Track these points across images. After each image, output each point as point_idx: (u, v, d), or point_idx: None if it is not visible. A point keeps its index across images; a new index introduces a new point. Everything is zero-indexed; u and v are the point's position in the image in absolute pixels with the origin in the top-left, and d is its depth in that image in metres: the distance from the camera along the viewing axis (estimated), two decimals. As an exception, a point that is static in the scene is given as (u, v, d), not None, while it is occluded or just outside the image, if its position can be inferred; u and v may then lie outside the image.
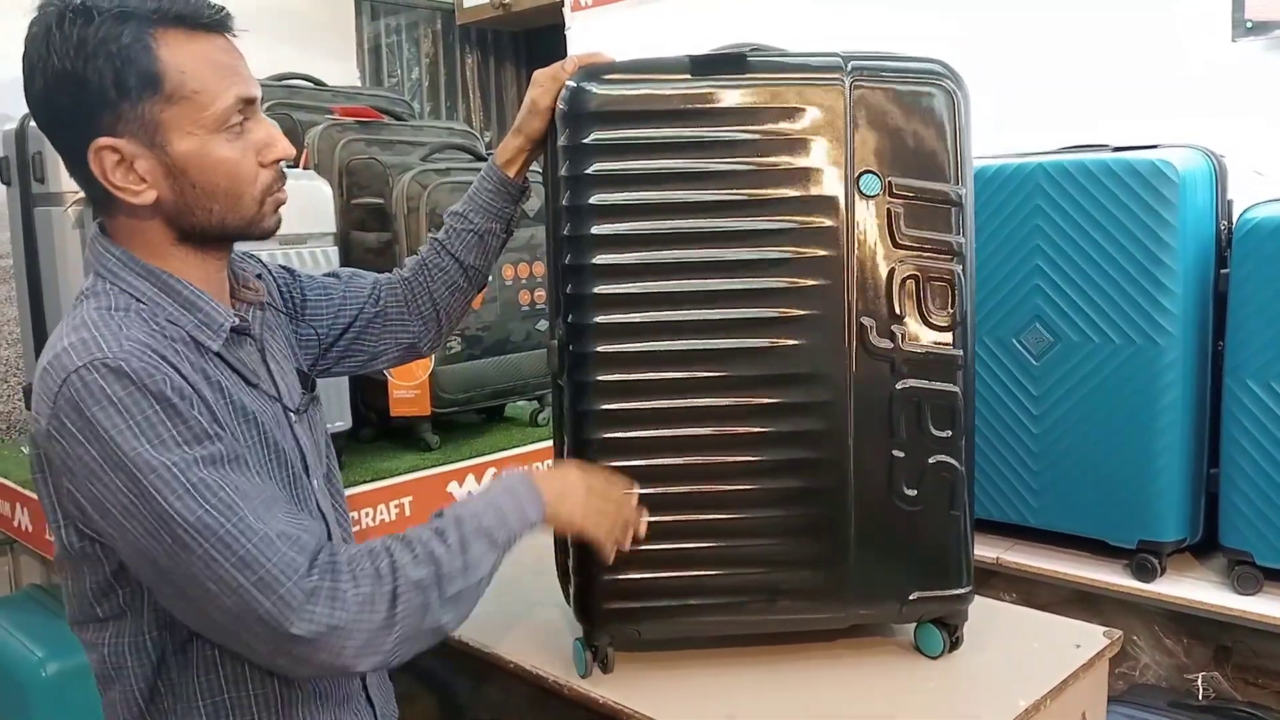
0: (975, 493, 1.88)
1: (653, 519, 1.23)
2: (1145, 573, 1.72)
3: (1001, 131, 1.94)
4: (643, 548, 1.23)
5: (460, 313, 1.41)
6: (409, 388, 1.94)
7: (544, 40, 2.99)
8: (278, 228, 1.09)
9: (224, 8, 1.02)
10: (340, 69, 3.01)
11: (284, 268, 1.31)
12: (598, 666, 1.28)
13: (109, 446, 0.90)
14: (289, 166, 1.15)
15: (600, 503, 1.18)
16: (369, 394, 2.00)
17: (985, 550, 1.89)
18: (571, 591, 1.29)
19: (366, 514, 1.86)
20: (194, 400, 0.94)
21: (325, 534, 1.03)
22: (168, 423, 0.91)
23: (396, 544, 1.00)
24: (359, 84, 3.20)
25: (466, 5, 3.24)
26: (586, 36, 2.84)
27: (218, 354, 1.04)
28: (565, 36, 2.89)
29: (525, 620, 1.47)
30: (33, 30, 0.96)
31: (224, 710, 1.03)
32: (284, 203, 1.09)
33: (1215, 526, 1.71)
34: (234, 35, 1.03)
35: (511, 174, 1.32)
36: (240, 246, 1.13)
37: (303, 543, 0.94)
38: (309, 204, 1.80)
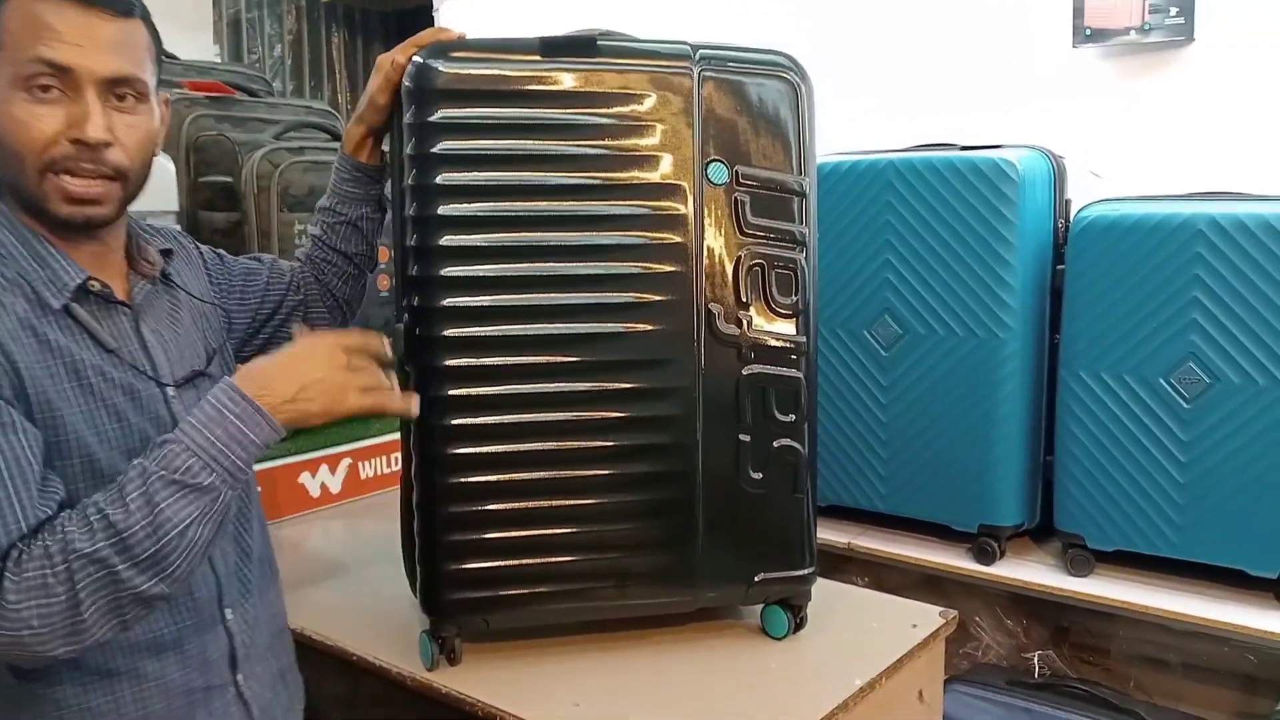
0: (829, 479, 1.95)
1: (502, 506, 1.22)
2: (985, 556, 1.79)
3: (851, 132, 2.00)
4: (491, 535, 1.22)
5: (360, 296, 1.43)
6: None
7: (413, 21, 2.93)
8: (76, 222, 1.03)
9: None
10: (198, 43, 2.89)
11: (215, 251, 1.31)
12: (444, 659, 1.26)
13: None
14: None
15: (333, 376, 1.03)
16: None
17: (838, 535, 1.94)
18: (418, 584, 1.26)
19: (212, 504, 1.79)
20: None
21: (32, 524, 0.93)
22: None
23: (70, 518, 0.93)
24: (218, 59, 3.08)
25: (332, -18, 3.16)
26: (455, 19, 2.80)
27: (67, 311, 1.01)
28: (434, 17, 2.85)
29: (372, 611, 1.44)
30: None
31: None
32: (81, 196, 1.01)
33: (1051, 511, 1.79)
34: (107, 13, 0.99)
35: (364, 159, 1.32)
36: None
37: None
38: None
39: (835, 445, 1.94)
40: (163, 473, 0.93)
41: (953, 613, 1.41)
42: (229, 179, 1.95)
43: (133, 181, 1.04)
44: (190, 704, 1.07)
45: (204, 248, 1.29)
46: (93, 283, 1.03)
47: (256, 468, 1.87)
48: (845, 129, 1.94)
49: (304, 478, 1.94)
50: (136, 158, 1.04)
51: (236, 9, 3.21)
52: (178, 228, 1.28)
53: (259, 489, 1.26)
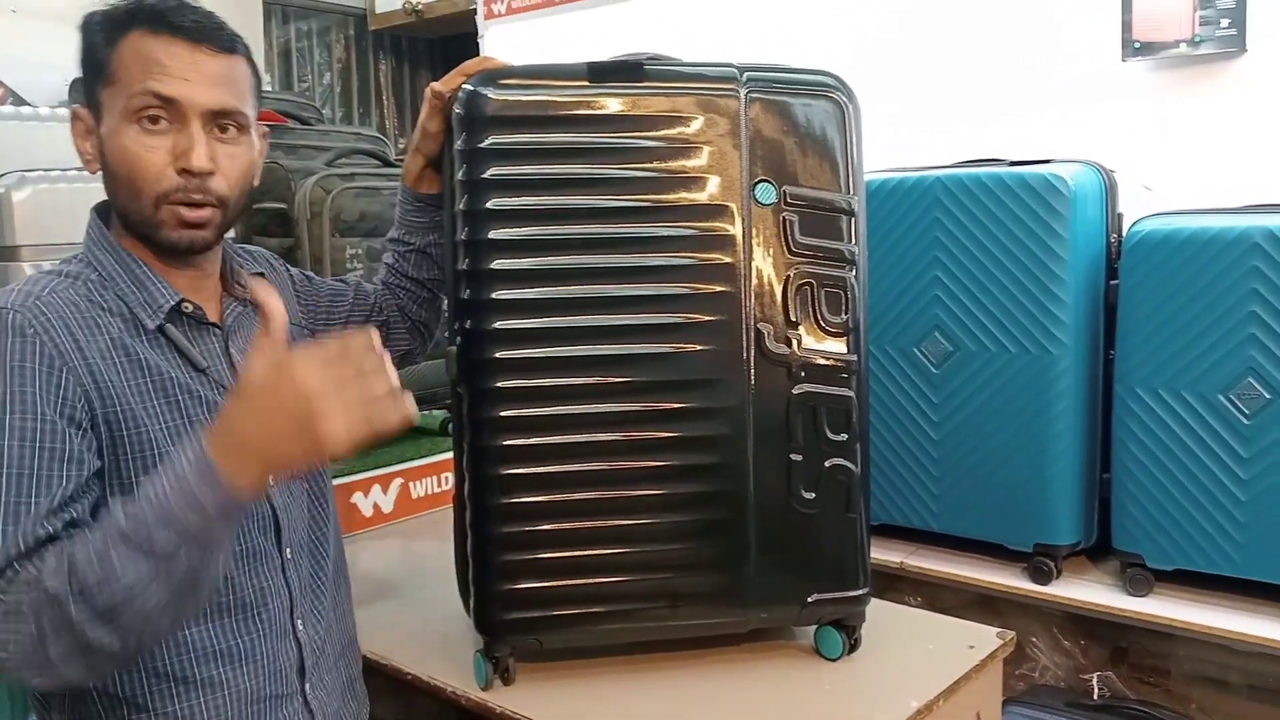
0: (880, 498, 1.93)
1: (554, 526, 1.22)
2: (1041, 575, 1.76)
3: (899, 147, 2.00)
4: (543, 555, 1.22)
5: (437, 318, 1.47)
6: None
7: (458, 47, 2.97)
8: (188, 247, 1.08)
9: (203, 21, 1.06)
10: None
11: (305, 273, 1.36)
12: (498, 678, 1.27)
13: None
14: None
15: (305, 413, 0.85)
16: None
17: (890, 555, 1.92)
18: (471, 603, 1.27)
19: (267, 526, 1.82)
20: (64, 374, 0.98)
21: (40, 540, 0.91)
22: (16, 381, 0.95)
23: (56, 550, 0.89)
24: (269, 89, 3.14)
25: (379, 11, 3.21)
26: (500, 45, 2.84)
27: (161, 332, 1.07)
28: (479, 44, 2.88)
29: (426, 630, 1.46)
30: None
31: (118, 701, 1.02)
32: (195, 222, 1.06)
33: (1109, 530, 1.76)
34: (211, 50, 1.05)
35: (424, 189, 1.36)
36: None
37: (13, 544, 0.89)
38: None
39: (886, 464, 1.92)
40: (122, 527, 0.85)
41: (1010, 634, 1.39)
42: (282, 205, 1.99)
43: (231, 208, 1.10)
44: (259, 711, 1.09)
45: (294, 270, 1.35)
46: (185, 304, 1.09)
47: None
48: (892, 146, 1.93)
49: (356, 498, 1.97)
50: (236, 186, 1.09)
51: (287, 38, 3.28)
52: (268, 251, 1.32)
53: (335, 504, 1.28)
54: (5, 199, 1.74)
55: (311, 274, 1.38)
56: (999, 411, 1.79)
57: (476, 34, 2.90)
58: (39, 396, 0.95)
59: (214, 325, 1.13)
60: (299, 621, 1.14)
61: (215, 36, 1.06)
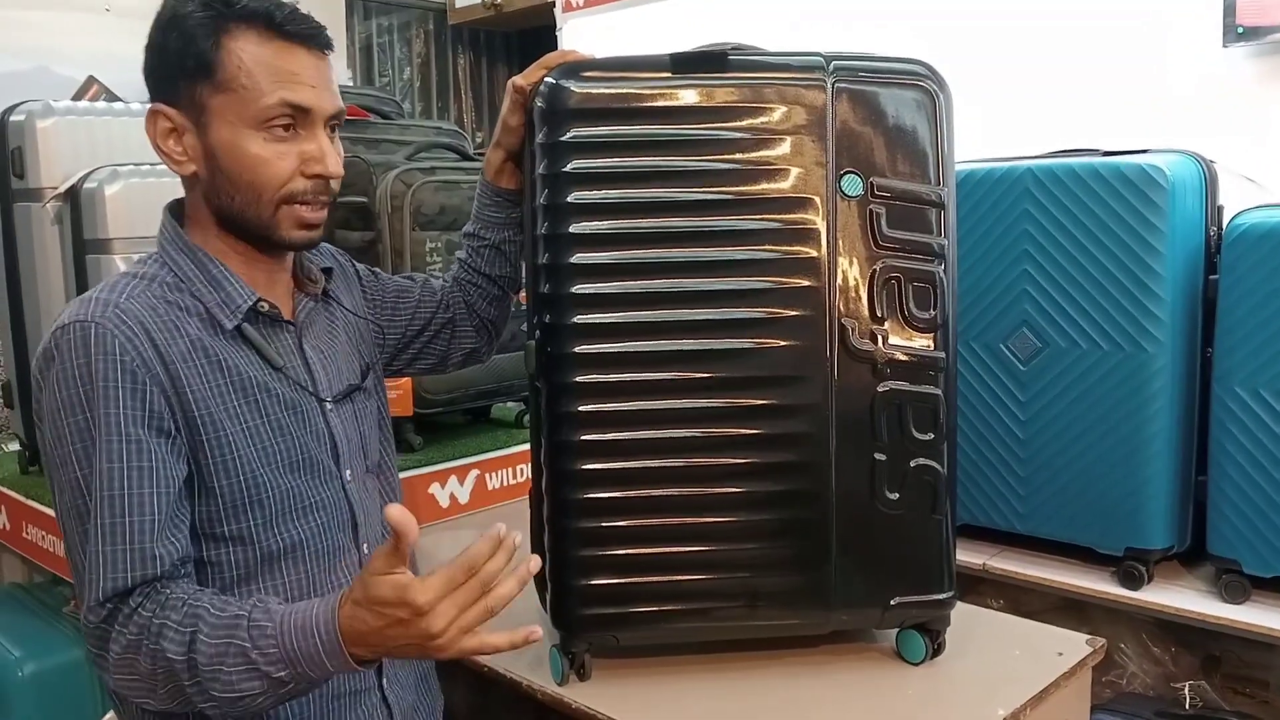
0: (962, 498, 1.89)
1: (632, 522, 1.21)
2: (1132, 580, 1.70)
3: (989, 136, 1.94)
4: (621, 551, 1.22)
5: (505, 317, 1.47)
6: (391, 388, 1.92)
7: (536, 40, 2.97)
8: (304, 244, 1.13)
9: (317, 26, 1.08)
10: (336, 68, 2.99)
11: (371, 269, 1.38)
12: (574, 674, 1.26)
13: (52, 406, 0.99)
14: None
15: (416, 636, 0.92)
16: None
17: (972, 556, 1.87)
18: (548, 598, 1.27)
19: (347, 515, 1.84)
20: (148, 385, 0.99)
21: (178, 560, 1.00)
22: (92, 407, 0.97)
23: (177, 611, 0.95)
24: (351, 83, 3.19)
25: (458, 5, 3.23)
26: (578, 37, 2.83)
27: (239, 331, 1.08)
28: (557, 37, 2.88)
29: (502, 622, 1.44)
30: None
31: None
32: (312, 222, 1.10)
33: (1203, 534, 1.69)
34: (322, 53, 1.08)
35: (504, 184, 1.35)
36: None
37: (119, 579, 0.96)
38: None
39: (969, 463, 1.87)
40: (244, 643, 0.92)
41: (1100, 641, 1.35)
42: (364, 199, 2.01)
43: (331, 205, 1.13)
44: (339, 707, 1.11)
45: (360, 266, 1.36)
46: (262, 304, 1.10)
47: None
48: (980, 135, 1.88)
49: (434, 488, 1.98)
50: (339, 184, 1.12)
51: (368, 34, 3.31)
52: (334, 247, 1.33)
53: (403, 497, 1.29)
54: (98, 193, 1.79)
55: (378, 270, 1.39)
56: (1090, 411, 1.73)
57: (555, 27, 2.90)
58: (124, 415, 0.97)
59: (288, 323, 1.14)
60: None
61: (324, 39, 1.08)
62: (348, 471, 1.16)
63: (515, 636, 0.94)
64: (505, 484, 2.10)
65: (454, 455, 2.04)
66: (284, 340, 1.13)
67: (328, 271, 1.24)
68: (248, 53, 1.02)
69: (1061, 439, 1.76)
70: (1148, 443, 1.67)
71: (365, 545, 1.16)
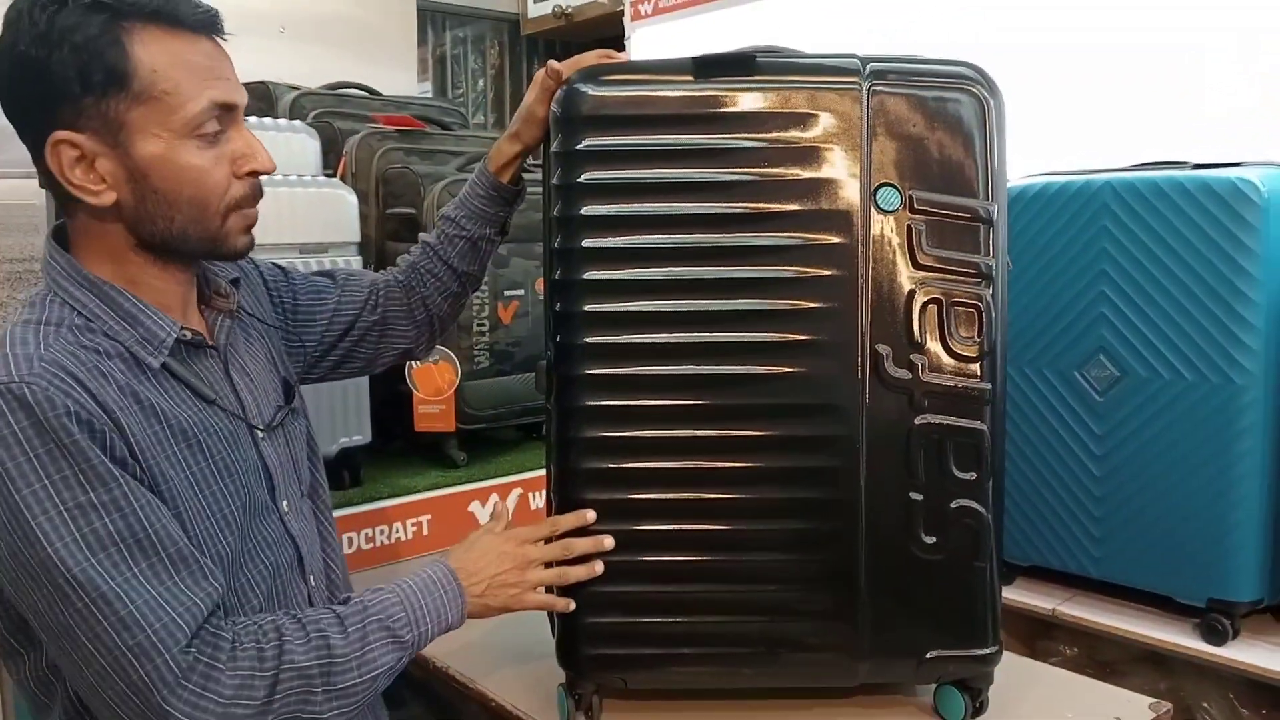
0: (1031, 537, 1.75)
1: (642, 558, 1.14)
2: (1215, 635, 1.55)
3: (1059, 147, 1.80)
4: (630, 589, 1.14)
5: (453, 317, 1.36)
6: (434, 402, 1.88)
7: (608, 49, 2.92)
8: (248, 249, 1.04)
9: (213, 9, 0.97)
10: (403, 79, 3.00)
11: (276, 266, 1.26)
12: (582, 716, 1.18)
13: (1, 481, 0.84)
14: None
15: (515, 579, 1.13)
16: (397, 406, 1.95)
17: (1041, 600, 1.74)
18: (554, 635, 1.19)
19: (382, 531, 1.80)
20: (106, 434, 0.88)
21: (219, 597, 0.92)
22: (68, 461, 0.85)
23: (290, 624, 0.94)
24: (428, 95, 3.19)
25: (531, 16, 3.21)
26: (647, 45, 2.77)
27: (164, 368, 0.97)
28: (626, 45, 2.83)
29: (518, 654, 1.39)
30: (7, 14, 0.91)
31: None
32: (254, 222, 1.03)
33: (1298, 587, 1.54)
34: (223, 39, 0.98)
35: (505, 179, 1.26)
36: None
37: (193, 609, 0.87)
38: (333, 213, 1.75)
39: (1040, 499, 1.74)
40: (380, 617, 1.00)
41: (1166, 706, 1.21)
42: (412, 210, 1.98)
43: None
44: None
45: (262, 264, 1.25)
46: (184, 332, 1.00)
47: (430, 495, 1.89)
48: (1049, 147, 1.75)
49: (474, 506, 1.93)
50: None
51: (443, 46, 3.32)
52: None
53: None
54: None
55: (285, 267, 1.27)
56: (1172, 446, 1.58)
57: (624, 35, 2.84)
58: (104, 461, 0.87)
59: (211, 347, 1.05)
60: None
61: (221, 22, 0.98)
62: (284, 503, 1.08)
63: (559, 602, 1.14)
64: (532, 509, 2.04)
65: (495, 473, 1.98)
66: (210, 368, 1.04)
67: (235, 283, 1.14)
68: (158, 54, 0.91)
69: (1140, 477, 1.62)
70: (1236, 483, 1.52)
71: (311, 577, 1.11)
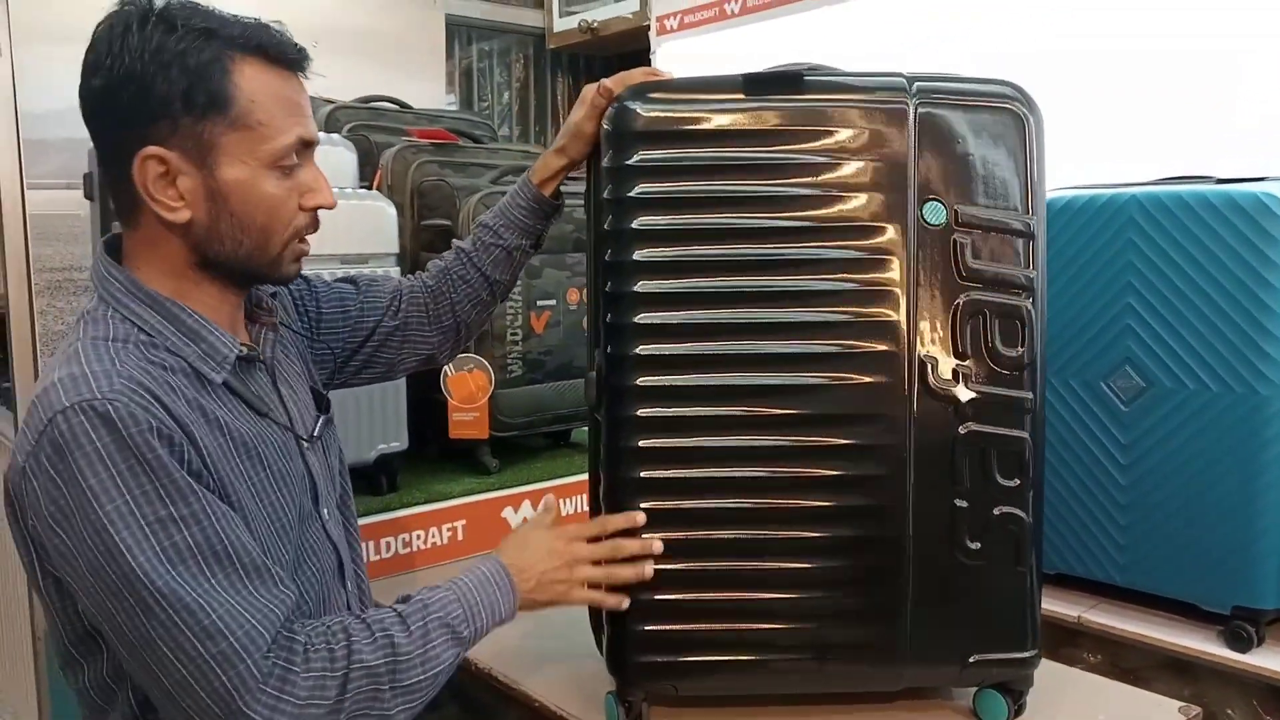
0: (1058, 545, 1.78)
1: (694, 565, 1.16)
2: (1240, 642, 1.58)
3: (1089, 161, 1.83)
4: (681, 596, 1.16)
5: (480, 325, 1.39)
6: (468, 410, 1.91)
7: (631, 63, 2.94)
8: (297, 276, 1.09)
9: (304, 48, 1.01)
10: (432, 92, 3.03)
11: (300, 276, 1.27)
12: (631, 722, 1.21)
13: (85, 497, 0.87)
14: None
15: (563, 576, 1.16)
16: (431, 413, 1.98)
17: (1067, 608, 1.76)
18: (604, 643, 1.22)
19: (418, 537, 1.83)
20: (184, 447, 0.91)
21: (297, 599, 0.97)
22: (149, 476, 0.88)
23: (356, 625, 0.97)
24: (454, 107, 3.23)
25: (556, 30, 3.24)
26: (672, 60, 2.81)
27: (224, 384, 1.00)
28: (651, 60, 2.86)
29: (560, 657, 1.42)
30: (108, 25, 0.95)
31: None
32: (308, 252, 1.07)
33: (1323, 595, 1.56)
34: (307, 78, 1.03)
35: (547, 192, 1.29)
36: None
37: (271, 616, 0.91)
38: (373, 224, 1.79)
39: (1066, 508, 1.77)
40: (440, 614, 1.03)
41: (1195, 709, 1.25)
42: (448, 222, 2.01)
43: None
44: None
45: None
46: (241, 348, 1.03)
47: (461, 501, 1.91)
48: (1079, 161, 1.78)
49: (506, 512, 1.96)
50: None
51: (469, 59, 3.36)
52: None
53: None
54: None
55: (308, 276, 1.28)
56: (1198, 456, 1.61)
57: (649, 49, 2.88)
58: (184, 475, 0.89)
59: (261, 362, 1.08)
60: None
61: (307, 59, 1.02)
62: (325, 510, 1.12)
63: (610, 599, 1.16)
64: (580, 509, 2.06)
65: (529, 479, 2.01)
66: (261, 381, 1.08)
67: (273, 295, 1.18)
68: (258, 86, 0.96)
69: (1165, 486, 1.65)
70: (1260, 493, 1.55)
71: (349, 582, 1.14)
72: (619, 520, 1.15)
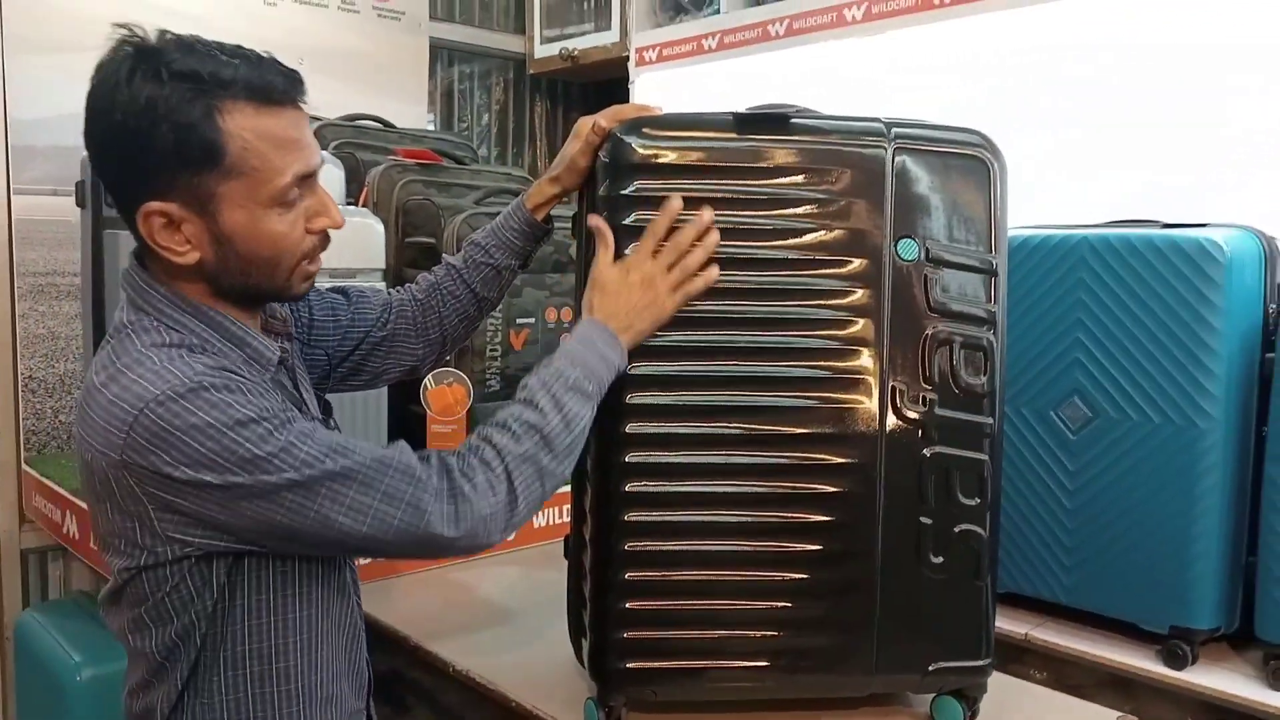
0: (1007, 565, 1.87)
1: (676, 575, 1.23)
2: (1175, 660, 1.68)
3: (1044, 201, 1.94)
4: (664, 604, 1.23)
5: (463, 339, 1.46)
6: (446, 422, 1.97)
7: (610, 92, 3.05)
8: (306, 294, 1.13)
9: (297, 75, 1.02)
10: (414, 112, 3.09)
11: None
12: (610, 726, 1.27)
13: (210, 441, 0.93)
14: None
15: (649, 296, 1.20)
16: (409, 425, 2.03)
17: (1015, 625, 1.85)
18: (585, 649, 1.28)
19: (396, 547, 1.87)
20: (271, 394, 1.00)
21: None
22: (259, 405, 0.96)
23: (491, 431, 1.08)
24: (433, 127, 3.29)
25: (537, 56, 3.32)
26: (650, 91, 2.89)
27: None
28: (629, 89, 2.95)
29: (538, 661, 1.48)
30: (101, 78, 0.97)
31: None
32: (314, 275, 1.11)
33: (1252, 617, 1.67)
34: (304, 103, 1.04)
35: (539, 217, 1.36)
36: None
37: (405, 453, 1.02)
38: (362, 240, 1.85)
39: (1015, 530, 1.86)
40: (561, 382, 1.12)
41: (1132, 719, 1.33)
42: (432, 240, 2.08)
43: None
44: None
45: None
46: (280, 351, 1.10)
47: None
48: (1036, 201, 1.89)
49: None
50: None
51: (450, 80, 3.42)
52: None
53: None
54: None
55: None
56: (1140, 484, 1.71)
57: (628, 80, 2.96)
58: (283, 408, 1.00)
59: (285, 366, 1.14)
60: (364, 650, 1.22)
61: (302, 87, 1.02)
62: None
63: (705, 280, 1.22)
64: (551, 522, 2.09)
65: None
66: (290, 386, 1.14)
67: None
68: (248, 130, 0.96)
69: (1109, 510, 1.75)
70: (1196, 519, 1.65)
71: (350, 582, 1.20)
72: (665, 221, 1.20)
